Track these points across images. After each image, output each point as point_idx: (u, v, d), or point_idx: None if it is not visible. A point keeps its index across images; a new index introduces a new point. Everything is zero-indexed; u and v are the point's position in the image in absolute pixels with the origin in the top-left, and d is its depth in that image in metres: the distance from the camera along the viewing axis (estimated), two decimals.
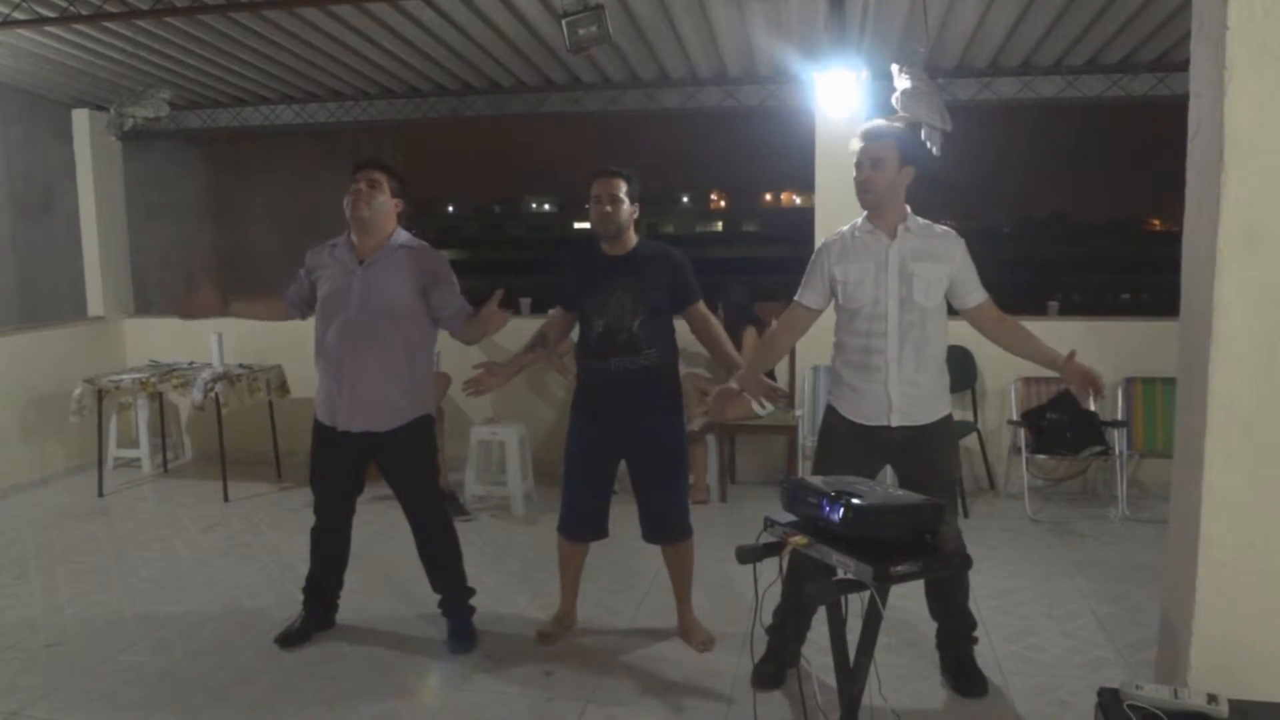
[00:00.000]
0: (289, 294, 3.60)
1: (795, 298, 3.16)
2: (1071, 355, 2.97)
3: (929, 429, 3.02)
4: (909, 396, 2.99)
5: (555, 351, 3.67)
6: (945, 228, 3.06)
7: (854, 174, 3.02)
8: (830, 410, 3.15)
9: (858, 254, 3.03)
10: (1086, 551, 4.59)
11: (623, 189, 3.34)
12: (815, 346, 3.89)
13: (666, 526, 3.51)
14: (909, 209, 3.04)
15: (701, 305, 3.47)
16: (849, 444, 3.06)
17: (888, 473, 3.24)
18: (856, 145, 3.01)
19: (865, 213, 3.06)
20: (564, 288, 3.52)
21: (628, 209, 3.36)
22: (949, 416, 3.10)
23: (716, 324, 3.52)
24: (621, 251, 3.40)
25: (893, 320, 2.97)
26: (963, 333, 3.29)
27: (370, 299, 3.36)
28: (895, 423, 2.99)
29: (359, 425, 3.40)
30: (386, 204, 3.41)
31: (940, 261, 2.98)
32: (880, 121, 3.15)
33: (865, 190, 2.99)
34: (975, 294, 3.04)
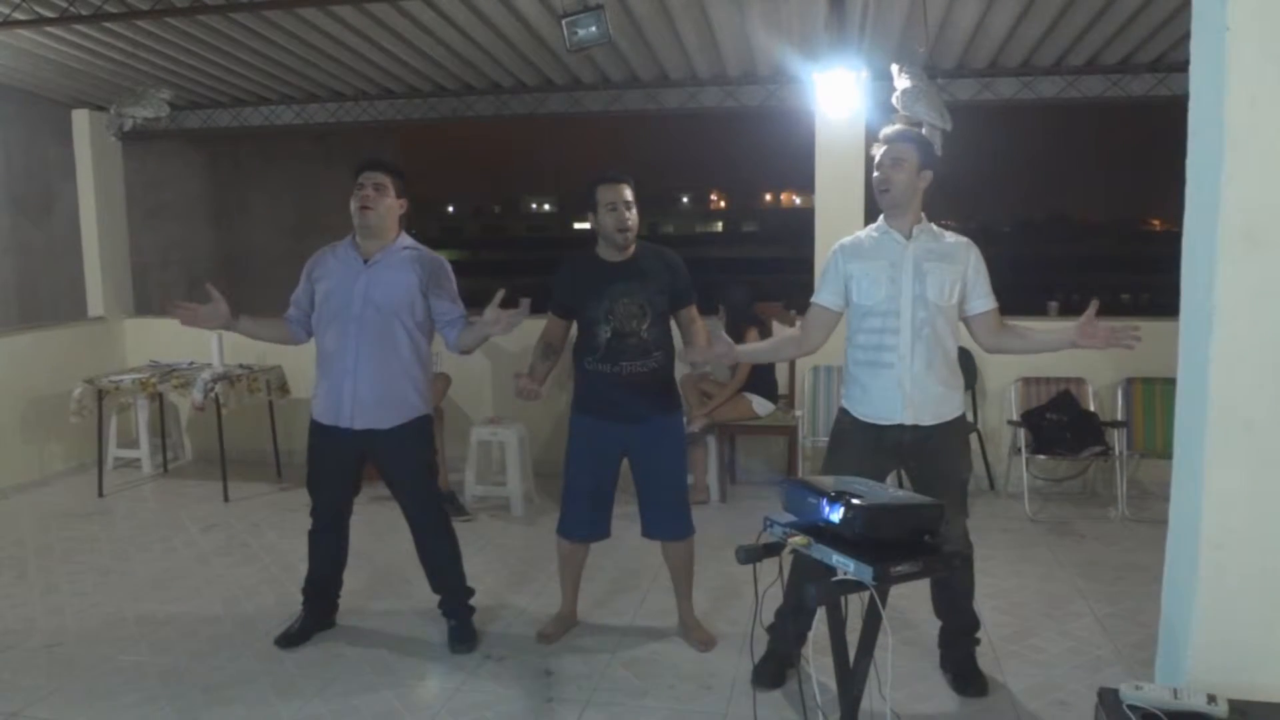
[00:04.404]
0: (291, 315, 3.57)
1: (812, 299, 3.18)
2: (1087, 318, 2.86)
3: (940, 429, 3.02)
4: (921, 394, 2.98)
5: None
6: (960, 237, 3.08)
7: (874, 174, 3.03)
8: (842, 412, 3.15)
9: (872, 253, 3.04)
10: (1086, 551, 4.59)
11: (631, 193, 3.33)
12: None
13: (667, 523, 3.51)
14: (924, 215, 3.05)
15: (694, 308, 3.47)
16: (859, 446, 3.05)
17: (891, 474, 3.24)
18: (878, 150, 3.02)
19: (880, 216, 3.08)
20: (561, 297, 3.49)
21: (637, 213, 3.35)
22: (961, 417, 3.10)
23: (700, 332, 3.47)
24: (624, 257, 3.39)
25: (905, 317, 2.97)
26: (963, 333, 3.28)
27: (375, 297, 3.37)
28: (908, 420, 2.98)
29: (362, 422, 3.41)
30: (392, 206, 3.44)
31: (955, 263, 3.00)
32: (901, 126, 3.17)
33: (885, 189, 3.00)
34: (982, 301, 3.04)
